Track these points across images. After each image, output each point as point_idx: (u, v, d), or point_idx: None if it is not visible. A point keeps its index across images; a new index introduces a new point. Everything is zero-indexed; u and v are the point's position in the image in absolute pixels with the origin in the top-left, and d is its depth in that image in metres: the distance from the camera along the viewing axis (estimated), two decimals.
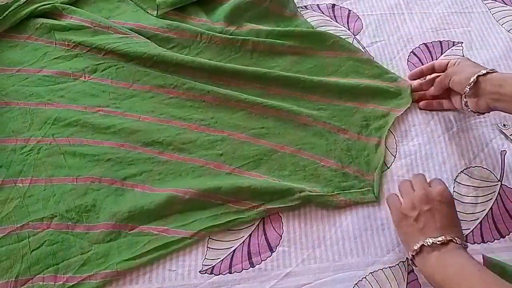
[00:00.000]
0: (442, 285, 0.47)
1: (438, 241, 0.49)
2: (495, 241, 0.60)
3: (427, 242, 0.50)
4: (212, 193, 0.61)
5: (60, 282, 0.55)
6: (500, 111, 0.60)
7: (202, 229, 0.59)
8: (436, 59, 0.76)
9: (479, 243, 0.60)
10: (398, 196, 0.57)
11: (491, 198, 0.63)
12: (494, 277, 0.45)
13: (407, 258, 0.56)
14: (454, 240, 0.49)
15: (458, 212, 0.61)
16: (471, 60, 0.64)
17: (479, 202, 0.63)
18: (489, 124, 0.70)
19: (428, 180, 0.56)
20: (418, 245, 0.50)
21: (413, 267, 0.55)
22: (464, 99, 0.62)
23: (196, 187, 0.61)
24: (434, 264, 0.49)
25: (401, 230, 0.55)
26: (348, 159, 0.66)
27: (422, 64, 0.75)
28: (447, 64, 0.66)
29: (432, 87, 0.69)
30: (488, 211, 0.62)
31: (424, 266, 0.50)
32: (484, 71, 0.59)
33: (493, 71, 0.59)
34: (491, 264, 0.57)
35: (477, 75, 0.59)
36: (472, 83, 0.59)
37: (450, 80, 0.63)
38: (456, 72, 0.63)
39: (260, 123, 0.68)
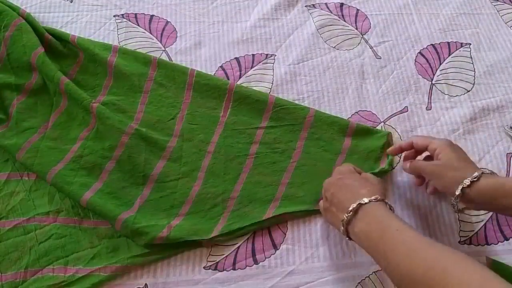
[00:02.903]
0: (370, 251, 0.48)
1: (353, 208, 0.49)
2: (499, 243, 0.60)
3: (346, 216, 0.49)
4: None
5: (70, 273, 0.56)
6: None
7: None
8: (444, 60, 0.76)
9: (483, 245, 0.60)
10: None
11: None
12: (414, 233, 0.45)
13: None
14: (366, 201, 0.49)
15: (463, 215, 0.62)
16: (451, 147, 0.55)
17: None
18: (496, 126, 0.69)
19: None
20: (345, 217, 0.50)
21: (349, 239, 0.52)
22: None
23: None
24: (359, 230, 0.49)
25: (328, 220, 0.56)
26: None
27: (430, 65, 0.75)
28: (427, 146, 0.58)
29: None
30: (492, 213, 0.62)
31: (353, 234, 0.50)
32: (468, 181, 0.51)
33: (477, 177, 0.51)
34: (494, 266, 0.57)
35: (461, 187, 0.51)
36: (458, 196, 0.52)
37: (430, 183, 0.62)
38: (434, 174, 0.55)
39: None
